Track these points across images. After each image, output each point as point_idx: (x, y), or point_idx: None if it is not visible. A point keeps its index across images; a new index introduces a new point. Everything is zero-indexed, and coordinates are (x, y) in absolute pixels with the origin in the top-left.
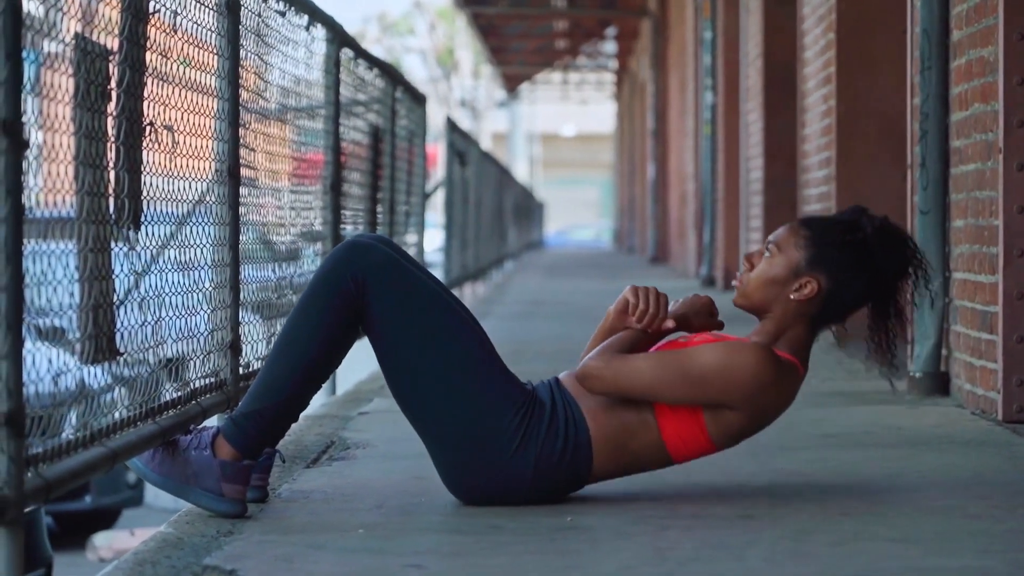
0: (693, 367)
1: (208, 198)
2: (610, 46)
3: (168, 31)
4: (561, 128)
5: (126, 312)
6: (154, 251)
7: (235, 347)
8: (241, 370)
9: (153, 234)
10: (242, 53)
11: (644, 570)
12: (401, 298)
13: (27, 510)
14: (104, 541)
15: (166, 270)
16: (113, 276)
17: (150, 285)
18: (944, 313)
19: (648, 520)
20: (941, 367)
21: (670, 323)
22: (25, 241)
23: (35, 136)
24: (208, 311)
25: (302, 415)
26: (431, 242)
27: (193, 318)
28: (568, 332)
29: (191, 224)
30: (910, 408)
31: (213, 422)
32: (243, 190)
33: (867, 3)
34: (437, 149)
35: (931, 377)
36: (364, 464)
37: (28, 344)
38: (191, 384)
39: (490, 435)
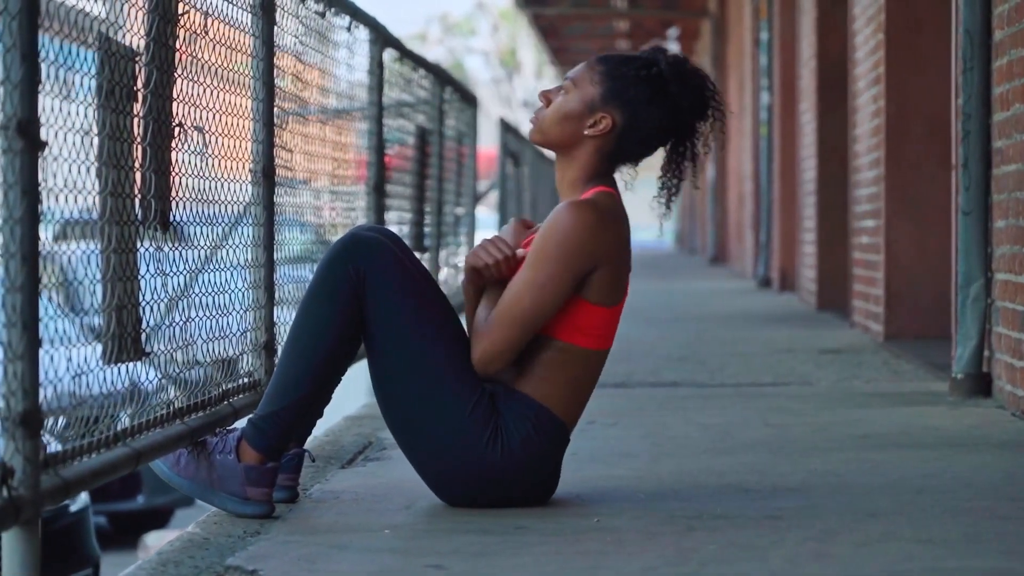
0: (536, 271)
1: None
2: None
3: (200, 33)
4: None
5: (152, 311)
6: (207, 251)
7: (269, 347)
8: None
9: (183, 233)
10: (288, 54)
11: (666, 571)
12: (396, 295)
13: (74, 510)
14: (156, 541)
15: (202, 271)
16: (140, 276)
17: (178, 285)
18: (986, 314)
19: (676, 521)
20: (983, 368)
21: (522, 252)
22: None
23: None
24: (241, 311)
25: (342, 416)
26: None
27: (230, 318)
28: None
29: (244, 225)
30: (951, 409)
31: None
32: (298, 191)
33: (916, 3)
34: (496, 151)
35: (973, 378)
36: (398, 464)
37: (47, 345)
38: (221, 385)
39: (472, 444)
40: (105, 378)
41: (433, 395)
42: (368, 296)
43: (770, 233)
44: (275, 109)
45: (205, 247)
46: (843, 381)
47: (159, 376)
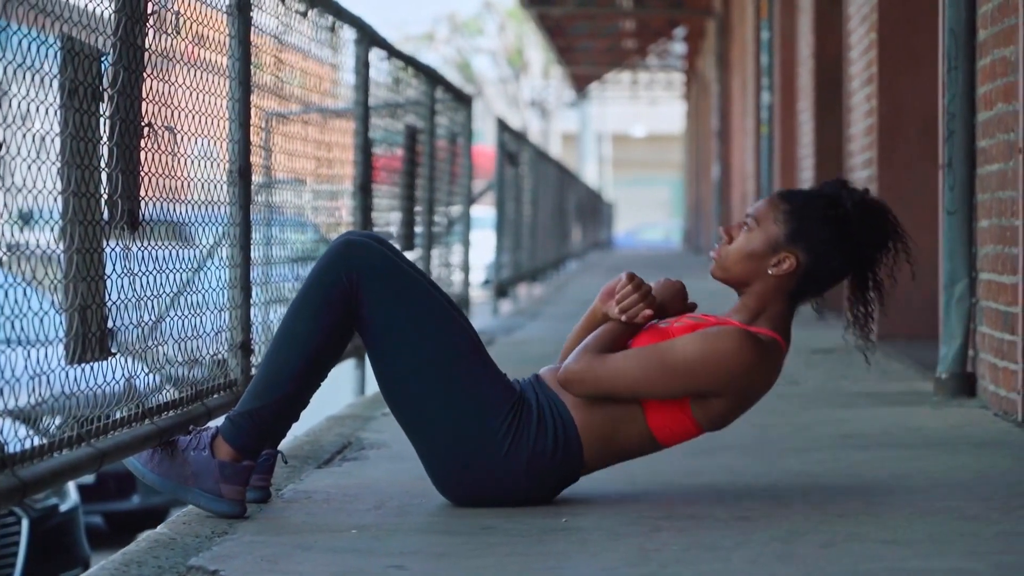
0: (675, 361)
1: (258, 199)
2: (679, 46)
3: (172, 32)
4: (631, 128)
5: (119, 311)
6: (205, 251)
7: (245, 347)
8: (253, 370)
9: (153, 232)
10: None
11: (627, 571)
12: (393, 297)
13: (64, 509)
14: None
15: (176, 270)
16: (107, 276)
17: (153, 283)
18: (971, 314)
19: (643, 521)
20: (968, 368)
21: (648, 312)
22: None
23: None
24: (216, 311)
25: (325, 416)
26: (482, 247)
27: (208, 317)
28: None
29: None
30: (934, 409)
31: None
32: (308, 191)
33: (909, 2)
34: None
35: (957, 378)
36: (374, 465)
37: None
38: (196, 385)
39: (481, 437)
40: (102, 377)
41: (442, 386)
42: (365, 301)
43: None
44: (270, 109)
45: (175, 246)
46: (831, 381)
47: (131, 373)
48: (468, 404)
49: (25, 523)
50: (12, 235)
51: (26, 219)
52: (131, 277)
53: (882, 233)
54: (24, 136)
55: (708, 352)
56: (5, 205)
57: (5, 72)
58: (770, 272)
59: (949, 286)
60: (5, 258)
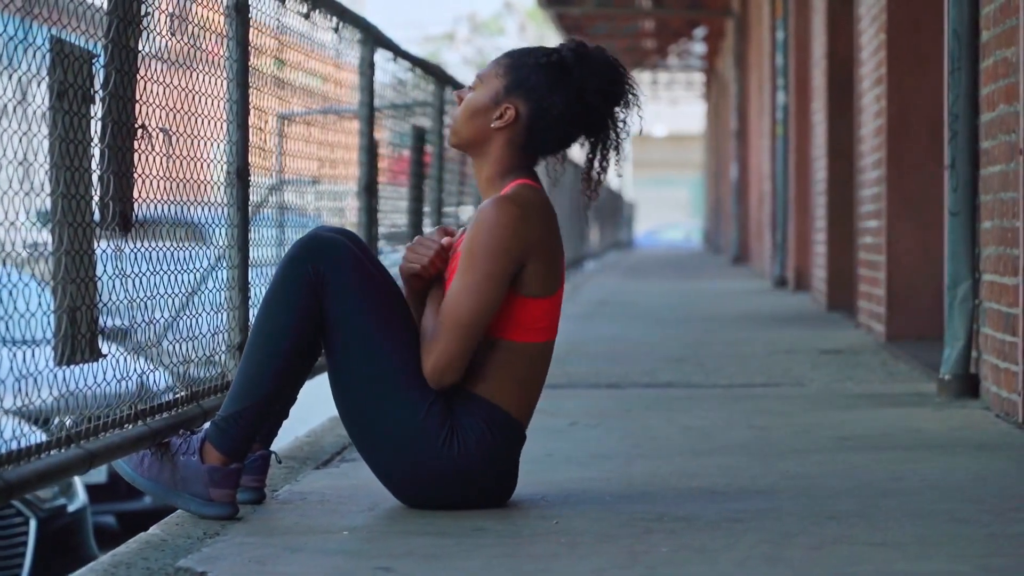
0: (471, 277)
1: (271, 200)
2: (699, 46)
3: (167, 35)
4: (652, 128)
5: (109, 311)
6: (219, 252)
7: (243, 348)
8: None
9: (138, 233)
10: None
11: (614, 573)
12: (355, 294)
13: (72, 510)
14: None
15: (170, 271)
16: (98, 277)
17: (146, 284)
18: (974, 315)
19: (635, 523)
20: (971, 369)
21: (447, 240)
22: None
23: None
24: (213, 312)
25: (326, 416)
26: None
27: (206, 318)
28: (623, 334)
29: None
30: (936, 411)
31: None
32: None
33: (916, 3)
34: None
35: (960, 379)
36: None
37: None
38: (190, 387)
39: (426, 441)
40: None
41: (389, 397)
42: (327, 297)
43: (786, 233)
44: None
45: (170, 247)
46: (836, 382)
47: (124, 374)
48: (411, 413)
49: (33, 523)
50: (31, 235)
51: (45, 221)
52: (123, 278)
53: (605, 77)
54: (41, 141)
55: (480, 240)
56: (24, 207)
57: (20, 81)
58: (493, 126)
59: (952, 287)
60: (21, 258)
